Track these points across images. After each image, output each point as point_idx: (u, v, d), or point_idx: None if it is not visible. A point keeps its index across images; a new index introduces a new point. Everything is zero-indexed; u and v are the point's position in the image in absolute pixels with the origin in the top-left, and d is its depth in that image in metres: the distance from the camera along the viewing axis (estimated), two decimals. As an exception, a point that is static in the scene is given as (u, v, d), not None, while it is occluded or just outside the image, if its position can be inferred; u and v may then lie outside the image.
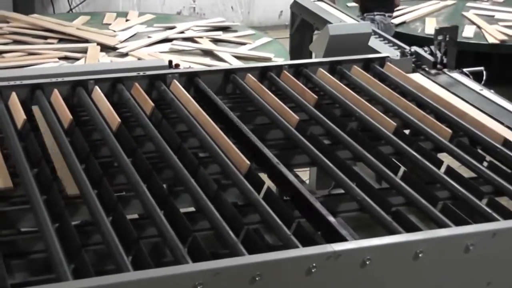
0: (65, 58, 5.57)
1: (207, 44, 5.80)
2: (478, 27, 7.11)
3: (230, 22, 6.64)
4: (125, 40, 5.90)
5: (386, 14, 6.90)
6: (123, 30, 6.14)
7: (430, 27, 7.18)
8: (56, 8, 9.11)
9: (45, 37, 5.98)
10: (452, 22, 7.09)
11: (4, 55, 5.67)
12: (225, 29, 6.29)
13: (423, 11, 7.71)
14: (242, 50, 5.75)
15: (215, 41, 5.95)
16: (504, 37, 6.94)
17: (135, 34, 6.06)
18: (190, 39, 5.94)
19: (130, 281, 2.10)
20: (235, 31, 6.27)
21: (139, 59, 5.41)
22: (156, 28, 6.21)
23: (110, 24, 6.31)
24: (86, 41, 5.83)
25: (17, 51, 5.73)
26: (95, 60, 5.39)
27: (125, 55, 5.59)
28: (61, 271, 2.22)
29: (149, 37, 5.98)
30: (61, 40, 5.92)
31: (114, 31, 6.11)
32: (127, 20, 6.45)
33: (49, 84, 3.45)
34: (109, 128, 3.11)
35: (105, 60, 5.40)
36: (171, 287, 2.11)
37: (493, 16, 7.52)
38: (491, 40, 6.89)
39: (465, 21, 7.34)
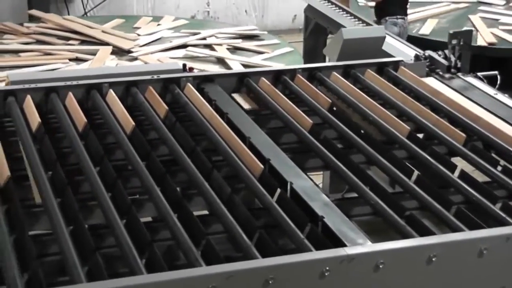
0: (76, 59, 5.60)
1: (221, 52, 5.76)
2: (476, 29, 7.03)
3: (260, 31, 6.49)
4: (145, 44, 5.90)
5: (405, 18, 6.90)
6: (148, 34, 6.14)
7: (426, 28, 7.13)
8: (71, 11, 9.14)
9: (68, 38, 6.03)
10: (454, 24, 7.05)
11: (21, 54, 5.73)
12: (253, 37, 6.19)
13: (431, 12, 7.66)
14: (255, 60, 5.70)
15: (235, 48, 5.90)
16: (494, 40, 6.83)
17: (159, 39, 6.04)
18: (209, 46, 5.92)
19: (144, 283, 2.10)
20: (262, 39, 6.17)
21: (146, 63, 5.42)
22: (182, 34, 6.18)
23: (139, 28, 6.32)
24: (105, 43, 5.86)
25: (33, 50, 5.79)
26: (101, 63, 5.41)
27: (134, 59, 5.60)
28: (75, 274, 2.23)
29: (170, 42, 5.98)
30: (83, 42, 5.97)
31: (139, 34, 6.12)
32: (158, 25, 6.45)
33: (63, 87, 3.46)
34: (123, 131, 3.12)
35: (111, 63, 5.42)
36: (185, 290, 2.12)
37: (499, 19, 7.45)
38: (480, 42, 6.78)
39: (468, 24, 7.25)
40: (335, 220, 2.53)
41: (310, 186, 2.76)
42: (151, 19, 6.65)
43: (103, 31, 6.13)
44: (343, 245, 2.37)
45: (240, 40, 6.05)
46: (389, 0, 6.82)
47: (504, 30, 7.07)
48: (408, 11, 7.00)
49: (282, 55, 5.90)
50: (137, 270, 2.25)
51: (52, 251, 2.51)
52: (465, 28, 6.51)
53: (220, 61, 5.66)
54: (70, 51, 5.75)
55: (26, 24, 6.40)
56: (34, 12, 6.74)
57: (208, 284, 2.11)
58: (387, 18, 6.83)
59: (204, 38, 6.03)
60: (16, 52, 5.80)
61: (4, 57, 5.69)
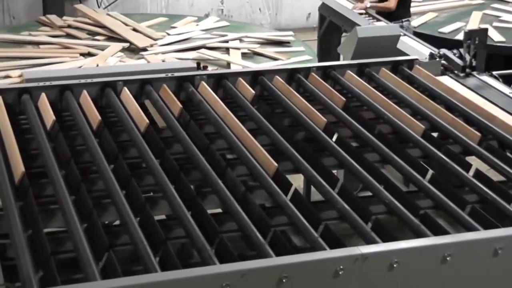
0: (88, 54, 5.64)
1: (233, 56, 5.71)
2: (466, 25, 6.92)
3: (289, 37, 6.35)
4: (166, 44, 5.89)
5: (410, 19, 6.87)
6: (178, 34, 6.12)
7: (418, 21, 7.02)
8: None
9: (96, 34, 6.09)
10: (455, 19, 6.98)
11: (41, 46, 5.81)
12: (282, 43, 5.99)
13: (440, 6, 7.55)
14: (263, 66, 5.61)
15: (254, 53, 5.81)
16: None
17: (187, 39, 6.01)
18: (226, 49, 5.86)
19: (158, 281, 2.11)
20: (290, 46, 5.99)
21: (148, 62, 5.42)
22: (212, 36, 6.10)
23: (176, 28, 6.31)
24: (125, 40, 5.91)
25: (53, 43, 5.84)
26: (103, 60, 5.42)
27: (141, 58, 5.60)
28: (89, 271, 2.23)
29: (192, 42, 5.96)
30: (109, 38, 6.01)
31: (169, 34, 6.12)
32: (197, 25, 6.43)
33: (78, 85, 3.47)
34: (137, 129, 3.13)
35: (112, 61, 5.43)
36: (198, 288, 2.12)
37: (500, 17, 7.34)
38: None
39: (465, 19, 7.14)
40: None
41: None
42: (195, 19, 6.60)
43: (134, 29, 6.15)
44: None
45: (257, 45, 5.91)
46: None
47: (495, 27, 6.94)
48: (420, 3, 6.95)
49: (304, 62, 5.78)
50: (151, 268, 2.25)
51: (67, 249, 2.51)
52: (456, 24, 6.44)
53: (230, 65, 5.62)
54: (87, 46, 5.79)
55: (64, 17, 6.52)
56: (80, 6, 6.81)
57: (222, 282, 2.11)
58: (393, 22, 6.80)
59: (227, 41, 5.95)
60: (37, 43, 5.87)
61: (25, 48, 5.79)
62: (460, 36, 6.41)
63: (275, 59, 5.72)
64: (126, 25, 6.25)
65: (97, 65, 5.18)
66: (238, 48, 5.74)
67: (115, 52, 5.63)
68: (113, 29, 6.10)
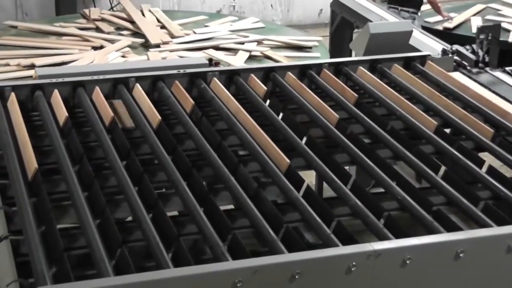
0: (101, 47, 5.69)
1: (236, 58, 5.66)
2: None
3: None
4: (183, 42, 5.88)
5: (420, 13, 6.83)
6: (203, 33, 6.11)
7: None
8: (98, 6, 9.18)
9: (124, 28, 6.14)
10: (457, 11, 6.94)
11: (63, 37, 5.89)
12: (302, 48, 5.77)
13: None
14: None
15: (265, 57, 5.73)
16: (449, 26, 6.64)
17: (210, 38, 5.98)
18: (235, 50, 5.82)
19: (170, 277, 2.11)
20: (310, 51, 5.75)
21: (148, 59, 5.44)
22: (236, 37, 6.06)
23: (208, 26, 6.30)
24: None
25: (74, 35, 5.92)
26: (104, 54, 5.45)
27: (144, 54, 5.61)
28: (102, 267, 2.24)
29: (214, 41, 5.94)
30: (134, 33, 6.04)
31: (195, 32, 6.11)
32: (231, 25, 6.40)
33: (90, 81, 3.48)
34: (149, 126, 3.13)
35: (113, 56, 5.45)
36: (211, 284, 2.12)
37: (500, 10, 7.26)
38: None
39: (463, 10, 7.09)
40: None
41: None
42: (233, 19, 6.54)
43: (160, 25, 6.17)
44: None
45: (268, 48, 5.83)
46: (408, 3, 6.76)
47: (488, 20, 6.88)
48: None
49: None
50: (163, 264, 2.25)
51: (80, 245, 2.52)
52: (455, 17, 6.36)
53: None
54: (104, 39, 5.83)
55: (103, 11, 6.58)
56: (122, 1, 6.85)
57: (235, 278, 2.11)
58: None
59: (242, 43, 5.91)
60: (61, 35, 5.96)
61: (49, 39, 5.88)
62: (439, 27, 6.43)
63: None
64: (159, 21, 6.26)
65: (93, 61, 5.21)
66: (249, 51, 5.70)
67: (121, 47, 5.64)
68: (138, 24, 6.13)
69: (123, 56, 5.49)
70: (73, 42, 5.82)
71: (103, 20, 6.31)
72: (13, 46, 5.63)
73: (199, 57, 5.18)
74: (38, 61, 5.25)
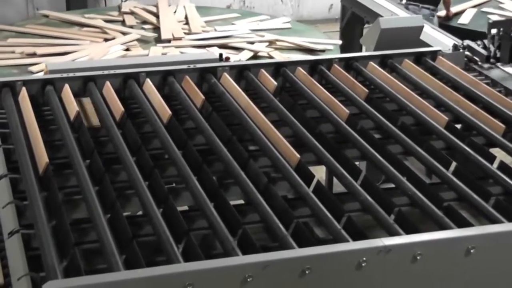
0: (113, 39, 5.71)
1: (238, 58, 5.64)
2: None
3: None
4: (195, 39, 5.89)
5: (436, 8, 6.82)
6: (223, 30, 6.11)
7: None
8: (108, 2, 9.19)
9: (148, 23, 6.20)
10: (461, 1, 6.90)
11: (85, 28, 5.99)
12: (314, 51, 5.69)
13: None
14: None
15: (270, 58, 5.70)
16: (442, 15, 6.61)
17: (228, 36, 5.97)
18: (240, 50, 5.81)
19: (180, 272, 2.11)
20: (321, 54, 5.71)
21: (147, 54, 5.45)
22: (254, 36, 6.04)
23: (234, 24, 6.30)
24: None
25: (95, 26, 6.00)
26: (106, 46, 5.47)
27: (147, 48, 5.63)
28: (113, 261, 2.24)
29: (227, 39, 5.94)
30: (156, 28, 6.09)
31: (216, 30, 6.11)
32: (258, 24, 6.39)
33: (101, 76, 3.48)
34: (160, 121, 3.14)
35: (115, 49, 5.47)
36: (221, 279, 2.12)
37: (502, 3, 7.21)
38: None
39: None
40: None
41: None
42: (266, 18, 6.52)
43: (184, 21, 6.19)
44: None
45: (272, 49, 5.79)
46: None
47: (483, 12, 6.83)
48: None
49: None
50: (174, 259, 2.26)
51: (90, 239, 2.53)
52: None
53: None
54: (121, 32, 5.85)
55: (136, 4, 6.64)
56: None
57: (245, 273, 2.11)
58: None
59: (252, 43, 5.89)
60: (83, 25, 6.07)
61: (71, 29, 5.99)
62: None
63: None
64: (187, 17, 6.26)
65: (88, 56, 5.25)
66: (254, 51, 5.68)
67: (128, 40, 5.65)
68: (160, 18, 6.14)
69: (127, 49, 5.52)
70: (89, 33, 5.87)
71: (132, 13, 6.34)
72: (31, 34, 5.77)
73: (208, 52, 5.19)
74: (39, 50, 5.32)
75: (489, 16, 6.26)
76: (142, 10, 6.45)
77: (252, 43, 5.82)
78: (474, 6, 6.92)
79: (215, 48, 5.65)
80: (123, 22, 6.20)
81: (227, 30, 6.12)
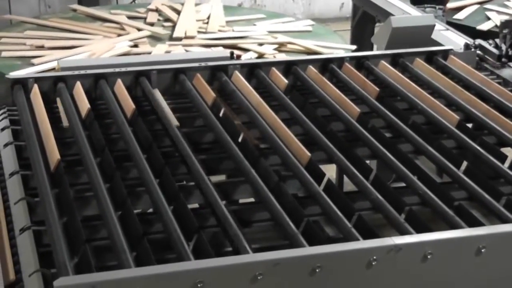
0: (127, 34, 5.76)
1: (243, 58, 5.63)
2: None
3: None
4: (208, 39, 5.89)
5: (444, 7, 6.80)
6: (240, 31, 6.09)
7: None
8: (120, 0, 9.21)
9: (167, 20, 6.19)
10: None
11: (105, 24, 5.99)
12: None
13: None
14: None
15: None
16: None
17: (243, 37, 5.93)
18: (244, 50, 5.78)
19: (192, 269, 2.12)
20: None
21: (149, 52, 5.45)
22: (269, 38, 5.99)
23: (255, 25, 6.28)
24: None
25: (115, 22, 6.00)
26: (113, 42, 5.51)
27: (154, 46, 5.63)
28: (123, 258, 2.25)
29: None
30: (174, 26, 6.07)
31: (233, 30, 6.11)
32: (278, 26, 6.36)
33: (112, 74, 3.49)
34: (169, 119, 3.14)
35: (120, 45, 5.48)
36: (232, 277, 2.12)
37: (508, 1, 7.17)
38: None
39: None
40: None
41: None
42: (290, 19, 6.47)
43: (201, 19, 6.19)
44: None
45: (276, 52, 5.76)
46: None
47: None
48: None
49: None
50: (184, 256, 2.26)
51: (101, 236, 2.53)
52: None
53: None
54: (137, 28, 5.88)
55: (164, 1, 6.62)
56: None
57: (255, 271, 2.12)
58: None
59: (261, 44, 5.88)
60: (105, 20, 6.06)
61: (93, 24, 5.98)
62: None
63: None
64: (209, 17, 6.26)
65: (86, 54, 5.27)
66: (259, 52, 5.65)
67: (138, 37, 5.66)
68: (181, 16, 6.16)
69: (135, 46, 5.52)
70: (107, 29, 5.87)
71: (157, 10, 6.35)
72: (51, 27, 5.81)
73: (220, 50, 5.18)
74: (48, 43, 5.37)
75: (487, 13, 6.26)
76: (167, 8, 6.44)
77: (261, 44, 5.81)
78: (479, 3, 6.88)
79: (221, 48, 5.64)
80: (145, 19, 6.21)
81: (244, 30, 6.11)
